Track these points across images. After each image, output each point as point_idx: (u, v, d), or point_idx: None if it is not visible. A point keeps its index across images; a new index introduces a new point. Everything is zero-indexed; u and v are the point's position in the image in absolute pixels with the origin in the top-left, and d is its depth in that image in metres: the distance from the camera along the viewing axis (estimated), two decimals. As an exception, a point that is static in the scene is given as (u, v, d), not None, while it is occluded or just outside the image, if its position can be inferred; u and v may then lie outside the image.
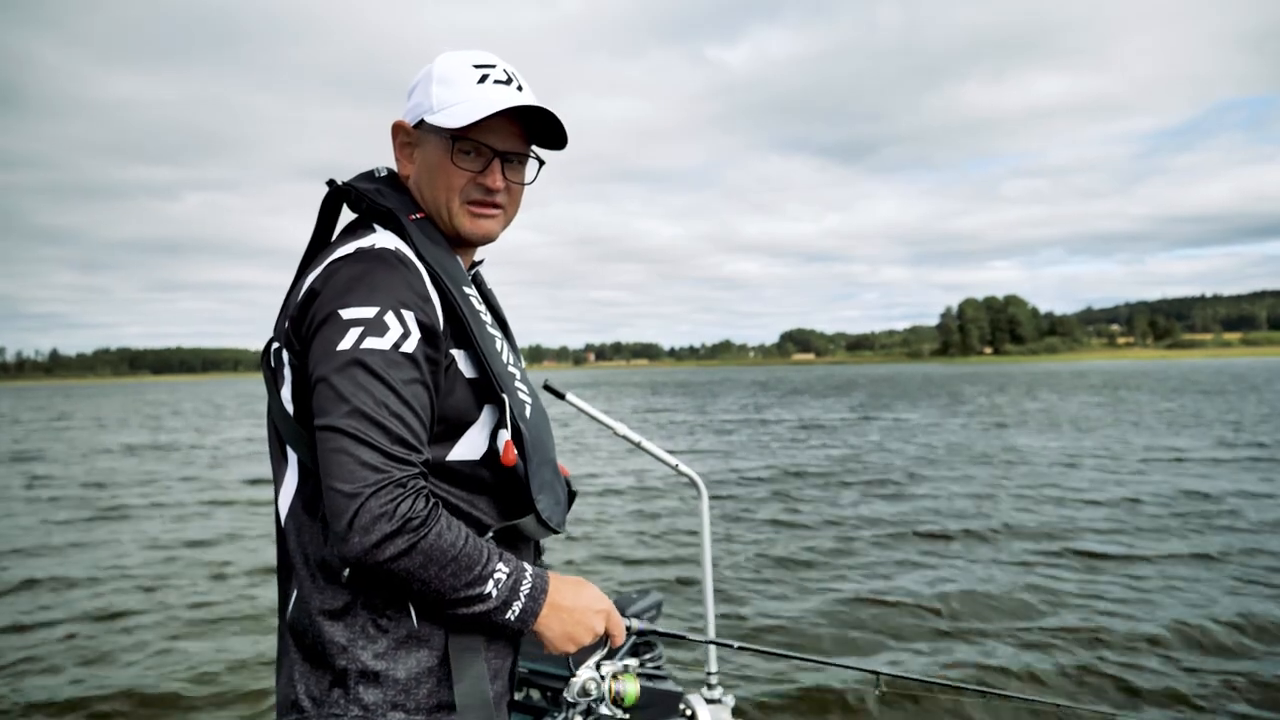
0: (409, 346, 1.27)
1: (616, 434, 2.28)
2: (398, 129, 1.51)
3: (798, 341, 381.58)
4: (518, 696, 2.45)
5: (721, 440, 21.85)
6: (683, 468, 2.36)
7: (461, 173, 1.45)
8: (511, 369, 1.45)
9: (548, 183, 1.63)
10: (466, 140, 1.44)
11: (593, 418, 2.20)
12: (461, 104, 1.42)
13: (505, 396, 1.38)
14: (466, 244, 1.53)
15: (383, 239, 1.38)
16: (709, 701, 2.27)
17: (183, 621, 6.92)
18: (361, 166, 1.56)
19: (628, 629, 1.58)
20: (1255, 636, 5.90)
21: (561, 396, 2.22)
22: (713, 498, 12.26)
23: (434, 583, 1.24)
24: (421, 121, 1.46)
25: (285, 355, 1.38)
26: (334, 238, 1.48)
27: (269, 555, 8.86)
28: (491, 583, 1.28)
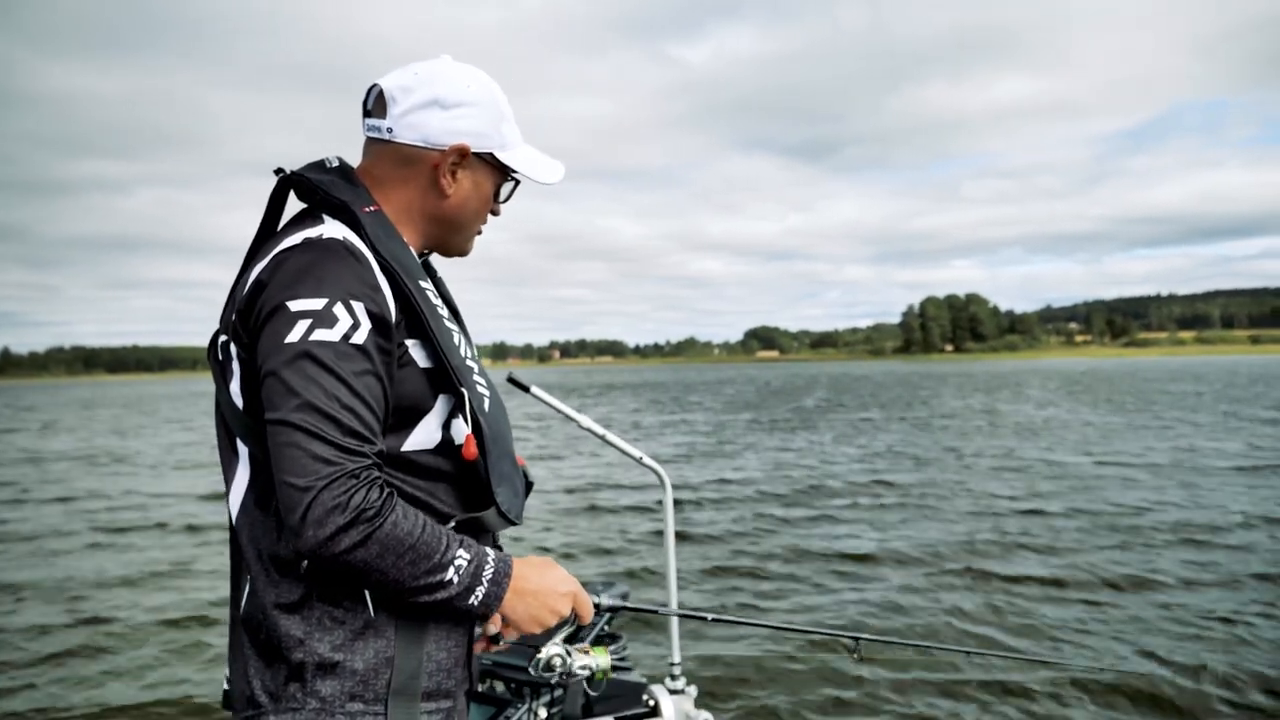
0: (359, 338, 1.26)
1: (581, 426, 2.28)
2: (464, 152, 1.46)
3: (762, 339, 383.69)
4: (480, 688, 2.44)
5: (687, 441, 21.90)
6: (646, 460, 2.37)
7: (492, 204, 1.55)
8: (470, 362, 1.45)
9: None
10: (513, 182, 1.56)
11: (557, 410, 2.20)
12: (539, 160, 1.56)
13: (465, 390, 1.38)
14: (441, 255, 1.59)
15: (331, 229, 1.36)
16: (672, 692, 2.28)
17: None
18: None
19: (596, 606, 1.55)
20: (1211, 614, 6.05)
21: (526, 389, 2.22)
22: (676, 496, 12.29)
23: (392, 572, 1.23)
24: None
25: (233, 348, 1.36)
26: (280, 228, 1.46)
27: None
28: (452, 569, 1.28)
